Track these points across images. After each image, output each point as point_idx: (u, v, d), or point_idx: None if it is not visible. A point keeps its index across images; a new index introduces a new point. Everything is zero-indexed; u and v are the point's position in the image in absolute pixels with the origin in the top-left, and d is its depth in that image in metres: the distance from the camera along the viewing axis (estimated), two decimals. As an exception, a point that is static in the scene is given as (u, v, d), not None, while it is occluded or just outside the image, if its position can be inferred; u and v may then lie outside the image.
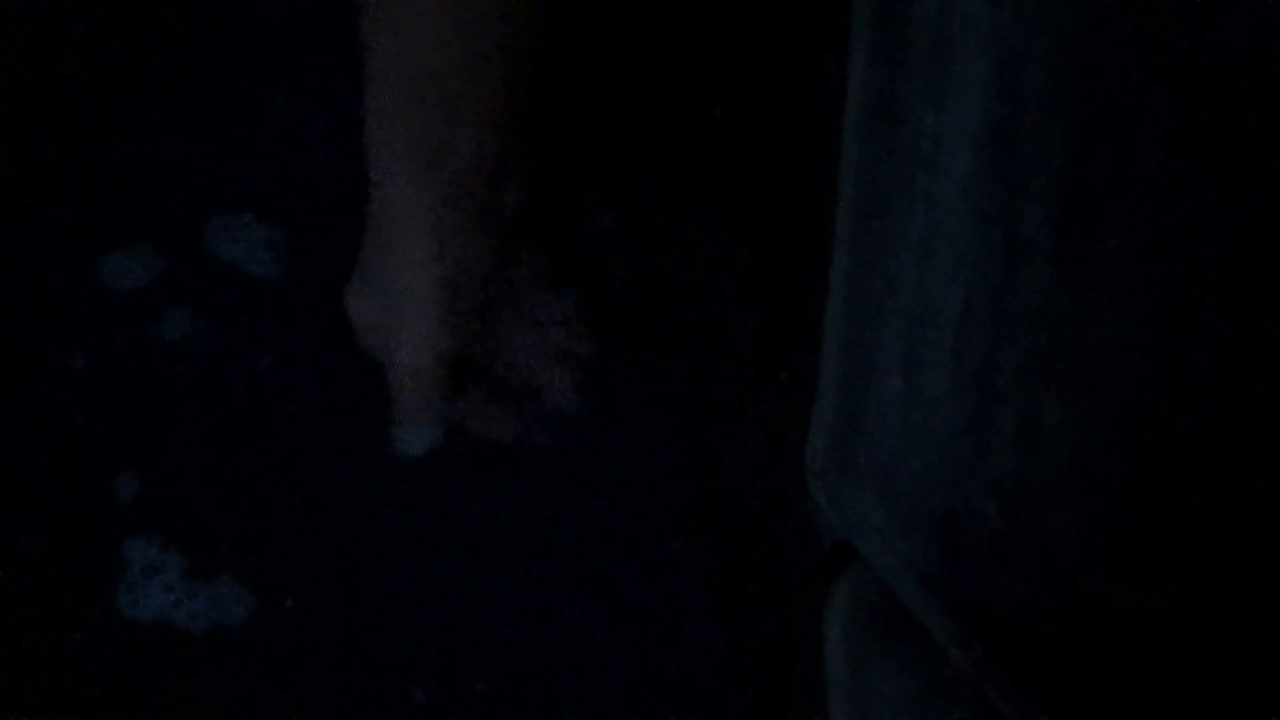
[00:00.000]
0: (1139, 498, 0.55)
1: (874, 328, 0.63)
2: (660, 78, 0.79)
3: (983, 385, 0.58)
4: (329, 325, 0.78)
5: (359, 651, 0.83)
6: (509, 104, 0.73)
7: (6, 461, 0.81)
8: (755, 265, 0.82)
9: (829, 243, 0.68)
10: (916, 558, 0.61)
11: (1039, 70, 0.54)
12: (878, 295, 0.63)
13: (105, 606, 0.81)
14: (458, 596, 0.84)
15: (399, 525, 0.84)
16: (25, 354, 0.81)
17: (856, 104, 0.64)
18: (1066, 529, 0.56)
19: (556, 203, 0.77)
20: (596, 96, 0.79)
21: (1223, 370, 0.53)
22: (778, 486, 0.82)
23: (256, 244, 0.80)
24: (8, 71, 0.81)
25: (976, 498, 0.58)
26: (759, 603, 0.84)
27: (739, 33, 0.80)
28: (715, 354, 0.83)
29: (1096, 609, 0.56)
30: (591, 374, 0.81)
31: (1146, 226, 0.53)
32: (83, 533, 0.81)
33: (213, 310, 0.81)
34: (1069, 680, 0.57)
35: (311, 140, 0.80)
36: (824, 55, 0.73)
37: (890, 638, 0.67)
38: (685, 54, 0.80)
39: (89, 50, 0.80)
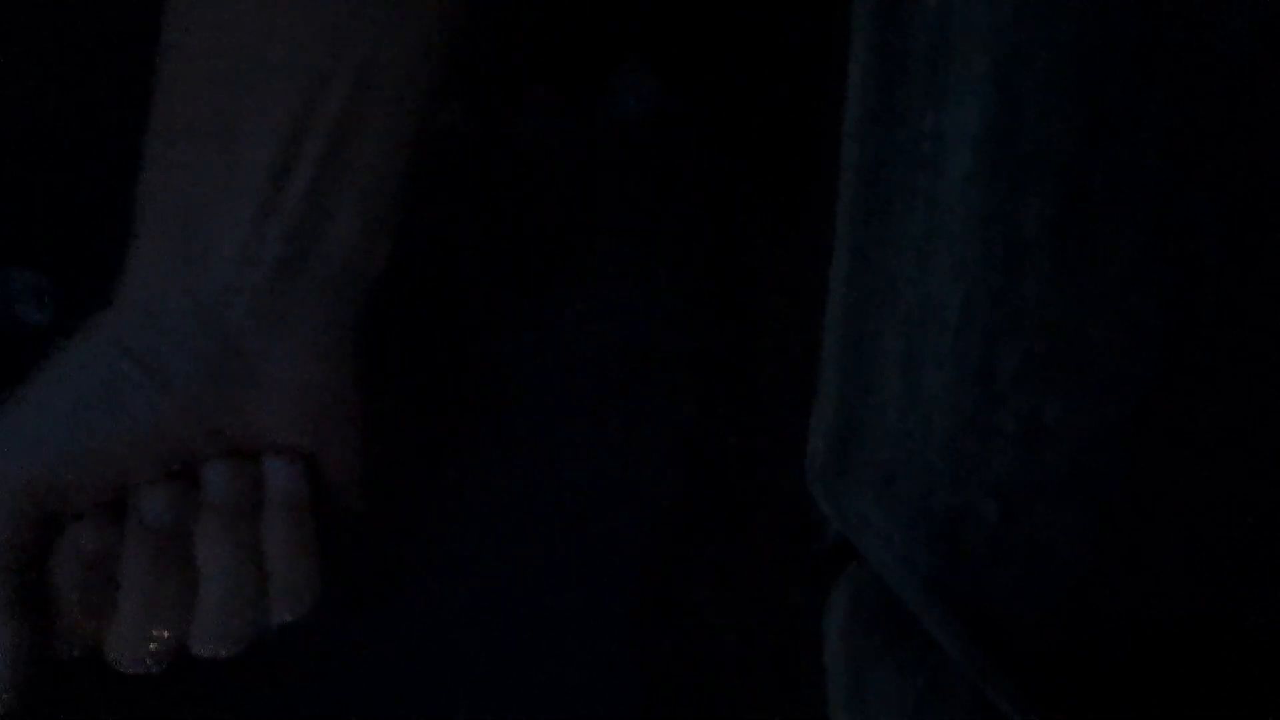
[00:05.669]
0: (1139, 498, 0.55)
1: (874, 328, 0.63)
2: (659, 78, 0.80)
3: (983, 385, 0.58)
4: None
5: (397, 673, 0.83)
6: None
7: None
8: (754, 266, 0.82)
9: (829, 243, 0.68)
10: (916, 558, 0.61)
11: (1039, 70, 0.54)
12: (878, 295, 0.63)
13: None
14: (465, 589, 0.84)
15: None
16: None
17: (856, 104, 0.64)
18: (1067, 529, 0.56)
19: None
20: (592, 95, 0.79)
21: (1223, 370, 0.53)
22: (778, 486, 0.82)
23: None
24: None
25: (976, 498, 0.58)
26: (759, 603, 0.84)
27: (738, 32, 0.80)
28: (714, 355, 0.83)
29: (1097, 609, 0.56)
30: (594, 376, 0.81)
31: (1146, 226, 0.53)
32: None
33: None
34: (1069, 680, 0.57)
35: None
36: (824, 55, 0.73)
37: (890, 638, 0.67)
38: (685, 54, 0.80)
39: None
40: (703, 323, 0.81)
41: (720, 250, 0.80)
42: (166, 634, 0.63)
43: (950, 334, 0.58)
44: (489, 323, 0.81)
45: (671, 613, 0.83)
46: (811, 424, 0.70)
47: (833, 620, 0.72)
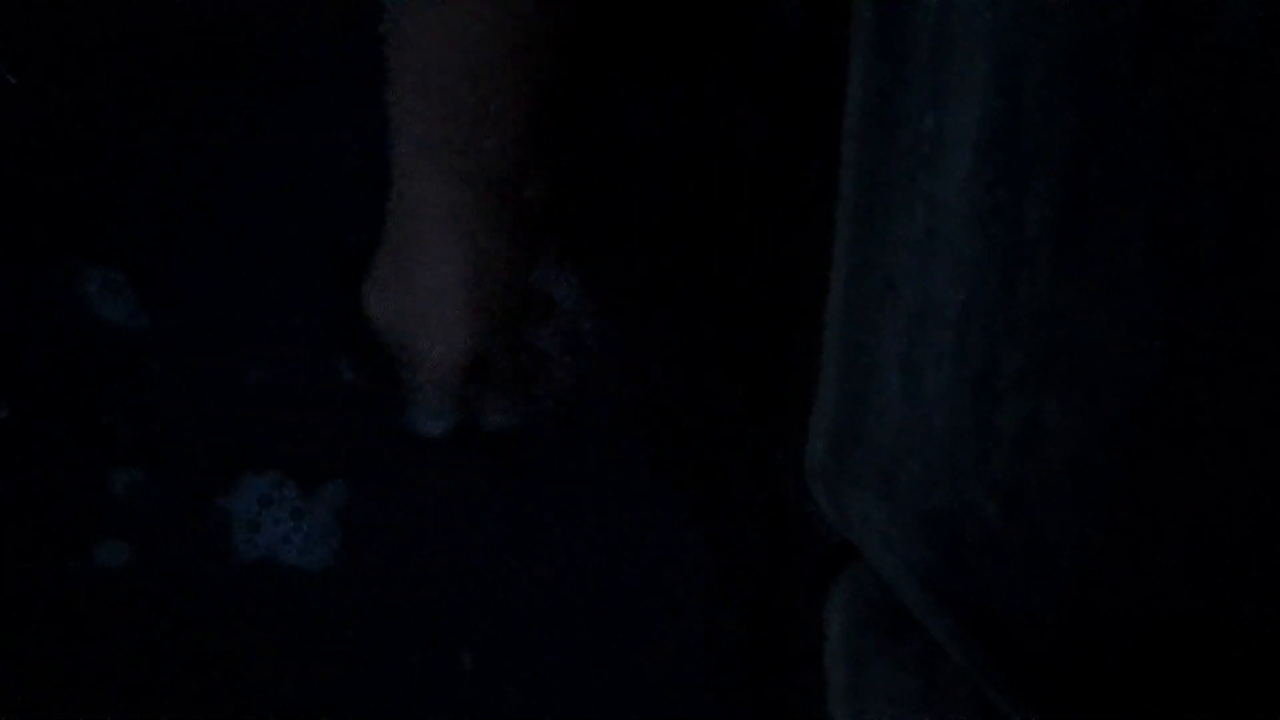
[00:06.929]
0: (1139, 498, 0.55)
1: (874, 328, 0.63)
2: (661, 79, 0.80)
3: (983, 385, 0.58)
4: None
5: (406, 616, 0.84)
6: (531, 103, 0.74)
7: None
8: (755, 265, 0.82)
9: (829, 243, 0.68)
10: (916, 558, 0.61)
11: (1039, 70, 0.54)
12: (878, 295, 0.63)
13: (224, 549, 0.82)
14: (465, 585, 0.84)
15: (419, 501, 0.84)
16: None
17: (856, 104, 0.64)
18: (1066, 529, 0.56)
19: (573, 197, 0.78)
20: (600, 98, 0.79)
21: (1223, 370, 0.53)
22: (778, 486, 0.82)
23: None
24: None
25: (976, 498, 0.58)
26: (759, 603, 0.84)
27: (740, 33, 0.80)
28: (715, 354, 0.83)
29: (1096, 609, 0.56)
30: (595, 370, 0.81)
31: (1146, 226, 0.53)
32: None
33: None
34: (1069, 680, 0.57)
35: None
36: (824, 55, 0.73)
37: (890, 638, 0.67)
38: (687, 56, 0.80)
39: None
40: (702, 322, 0.81)
41: (720, 249, 0.80)
42: None
43: (950, 334, 0.58)
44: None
45: (671, 613, 0.83)
46: (811, 424, 0.70)
47: (833, 620, 0.72)
